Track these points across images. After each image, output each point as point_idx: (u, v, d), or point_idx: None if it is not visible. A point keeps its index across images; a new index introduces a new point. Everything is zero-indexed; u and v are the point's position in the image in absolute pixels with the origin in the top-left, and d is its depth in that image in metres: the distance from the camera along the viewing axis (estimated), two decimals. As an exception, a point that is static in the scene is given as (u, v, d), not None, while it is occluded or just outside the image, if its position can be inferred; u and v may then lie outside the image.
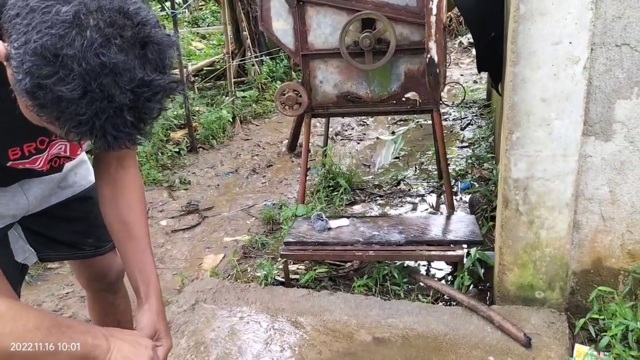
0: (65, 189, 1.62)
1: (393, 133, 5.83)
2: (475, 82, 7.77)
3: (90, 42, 0.82)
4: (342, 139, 5.78)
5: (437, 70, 2.83)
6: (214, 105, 6.53)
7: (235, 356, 2.36)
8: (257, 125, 6.58)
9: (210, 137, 5.86)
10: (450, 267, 3.08)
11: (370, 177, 4.63)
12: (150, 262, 1.37)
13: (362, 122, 6.30)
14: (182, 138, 5.67)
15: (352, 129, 6.12)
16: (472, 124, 5.95)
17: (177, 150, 5.43)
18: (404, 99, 3.30)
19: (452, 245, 2.83)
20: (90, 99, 0.83)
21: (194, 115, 6.04)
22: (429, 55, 2.80)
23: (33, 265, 1.78)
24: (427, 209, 3.97)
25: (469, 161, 4.67)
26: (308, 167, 3.72)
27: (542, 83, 2.21)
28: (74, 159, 1.47)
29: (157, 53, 0.89)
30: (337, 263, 3.08)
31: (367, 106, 3.37)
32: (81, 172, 1.66)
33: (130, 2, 0.88)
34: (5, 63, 0.90)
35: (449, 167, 4.40)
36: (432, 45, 2.76)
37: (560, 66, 2.17)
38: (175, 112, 6.07)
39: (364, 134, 5.96)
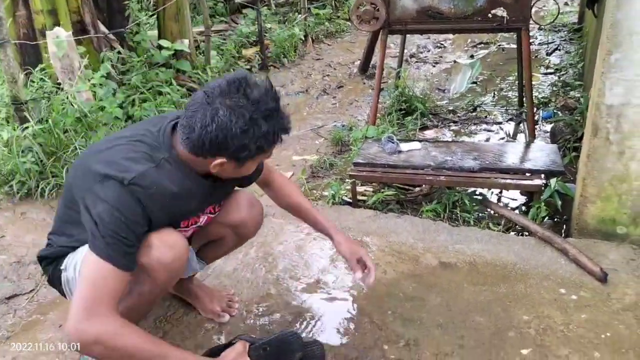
0: None
1: (472, 57, 5.51)
2: (566, 3, 7.11)
3: (244, 109, 1.40)
4: (417, 62, 5.54)
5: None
6: (287, 23, 6.39)
7: (302, 269, 2.41)
8: (329, 44, 6.41)
9: (282, 56, 5.78)
10: (525, 197, 2.95)
11: (445, 102, 4.44)
12: (321, 219, 1.98)
13: (439, 44, 5.98)
14: (253, 55, 5.62)
15: (428, 51, 5.83)
16: (559, 49, 5.50)
17: (248, 67, 5.41)
18: (490, 15, 3.05)
19: (529, 175, 2.69)
20: (264, 122, 1.42)
21: (266, 33, 5.95)
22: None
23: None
24: (503, 138, 3.78)
25: (554, 89, 4.36)
26: (381, 88, 3.59)
27: (654, -4, 1.96)
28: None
29: (252, 83, 1.45)
30: (406, 187, 3.02)
31: (449, 23, 3.15)
32: None
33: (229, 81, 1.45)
34: (220, 169, 1.49)
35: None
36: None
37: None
38: (248, 29, 6.00)
39: (441, 56, 5.67)
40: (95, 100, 3.58)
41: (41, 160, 3.14)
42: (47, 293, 2.39)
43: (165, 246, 1.52)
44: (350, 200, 2.92)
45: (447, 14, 3.12)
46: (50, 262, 1.72)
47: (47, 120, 3.22)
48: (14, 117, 3.23)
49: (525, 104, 4.01)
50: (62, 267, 1.66)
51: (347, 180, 3.17)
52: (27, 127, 3.11)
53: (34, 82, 3.44)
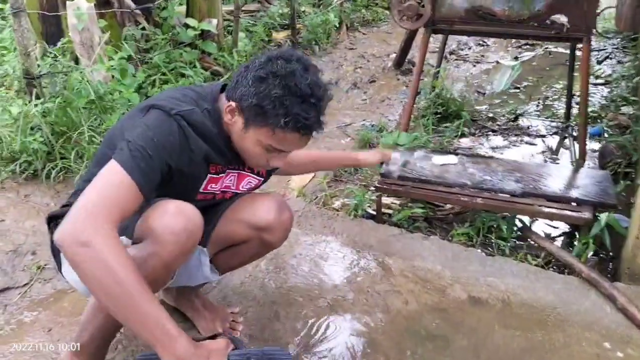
0: None
1: (516, 58, 5.17)
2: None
3: (280, 64, 1.39)
4: (456, 59, 5.22)
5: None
6: (321, 7, 6.09)
7: (315, 289, 2.19)
8: (364, 33, 6.10)
9: (313, 42, 5.50)
10: (568, 227, 2.67)
11: (484, 107, 4.13)
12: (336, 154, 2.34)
13: (481, 42, 5.63)
14: (284, 40, 5.36)
15: (469, 48, 5.50)
16: (610, 58, 5.12)
17: (277, 53, 5.15)
18: (548, 21, 2.73)
19: (577, 205, 2.41)
20: (288, 92, 1.36)
21: (299, 16, 5.67)
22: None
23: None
24: (544, 151, 3.47)
25: (604, 102, 4.02)
26: (418, 90, 3.31)
27: None
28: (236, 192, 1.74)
29: (314, 69, 1.45)
30: (436, 203, 2.76)
31: (501, 26, 2.84)
32: None
33: (291, 48, 2.12)
34: (232, 120, 1.48)
35: (577, 106, 3.80)
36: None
37: None
38: (280, 11, 5.73)
39: (482, 55, 5.33)
40: (112, 80, 3.38)
41: (50, 141, 2.95)
42: (41, 289, 2.23)
43: (182, 215, 1.38)
44: (374, 214, 2.68)
45: (500, 16, 2.81)
46: (57, 224, 1.46)
47: (59, 98, 3.03)
48: (25, 91, 3.04)
49: (572, 119, 3.71)
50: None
51: (371, 188, 2.93)
52: (37, 105, 2.93)
53: (48, 55, 3.24)
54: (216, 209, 1.72)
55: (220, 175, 1.62)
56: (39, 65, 3.08)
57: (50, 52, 3.29)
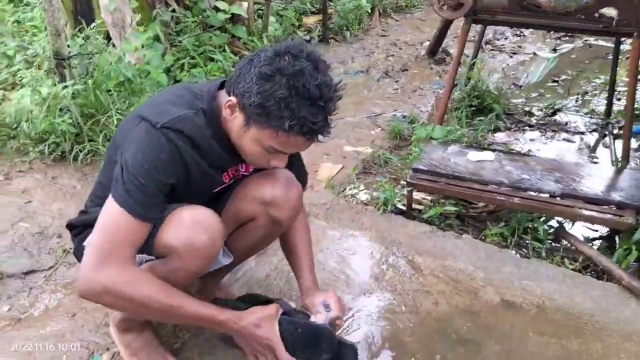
0: None
1: (554, 50, 4.99)
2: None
3: (287, 61, 1.28)
4: (492, 49, 5.05)
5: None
6: (354, -8, 5.95)
7: (342, 286, 2.13)
8: (396, 20, 5.95)
9: (345, 28, 5.38)
10: (608, 231, 2.55)
11: (521, 100, 3.98)
12: (308, 271, 1.76)
13: (518, 32, 5.44)
14: (314, 25, 5.27)
15: (506, 38, 5.32)
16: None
17: (307, 38, 5.06)
18: (596, 14, 2.58)
19: (618, 208, 2.29)
20: (295, 93, 1.26)
21: (331, 1, 5.55)
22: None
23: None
24: (582, 149, 3.33)
25: (648, 99, 3.83)
26: (455, 83, 3.19)
27: None
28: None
29: (324, 67, 1.32)
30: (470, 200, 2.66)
31: (546, 18, 2.70)
32: None
33: (300, 42, 1.39)
34: (232, 116, 1.38)
35: (618, 102, 3.65)
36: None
37: None
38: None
39: (519, 46, 5.15)
40: (141, 63, 3.34)
41: (78, 122, 2.94)
42: (66, 273, 2.22)
43: (199, 227, 1.37)
44: (404, 209, 2.59)
45: (545, 8, 2.66)
46: (79, 233, 1.58)
47: (89, 79, 3.01)
48: (55, 72, 3.02)
49: (613, 116, 3.55)
50: (85, 244, 1.49)
51: (401, 182, 2.84)
52: (66, 86, 2.90)
53: (78, 35, 3.21)
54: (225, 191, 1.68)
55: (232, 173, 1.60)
56: (69, 46, 3.05)
57: (81, 33, 3.25)
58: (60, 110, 2.93)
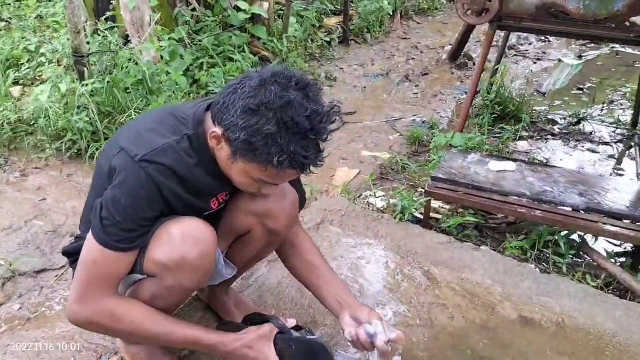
0: None
1: (580, 57, 4.87)
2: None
3: (274, 92, 1.18)
4: (515, 55, 4.95)
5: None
6: (375, -6, 5.89)
7: (355, 296, 2.07)
8: (418, 23, 5.88)
9: (365, 30, 5.33)
10: (633, 247, 2.46)
11: (544, 108, 3.89)
12: (341, 286, 1.63)
13: (542, 38, 5.33)
14: (335, 26, 5.22)
15: (530, 44, 5.21)
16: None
17: (328, 40, 5.01)
18: (627, 23, 2.50)
19: (645, 225, 2.20)
20: (284, 128, 1.18)
21: (352, 2, 5.50)
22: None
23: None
24: (606, 160, 3.23)
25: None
26: (477, 89, 3.11)
27: None
28: None
29: (315, 93, 1.24)
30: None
31: (575, 26, 2.62)
32: None
33: (288, 67, 1.38)
34: (218, 147, 1.30)
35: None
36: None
37: None
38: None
39: (544, 52, 5.05)
40: (161, 62, 3.33)
41: (95, 121, 2.93)
42: (78, 273, 2.21)
43: (189, 241, 1.32)
44: (422, 218, 2.54)
45: (574, 15, 2.57)
46: (75, 260, 1.49)
47: (107, 77, 3.00)
48: (74, 69, 3.02)
49: (641, 127, 3.45)
50: None
51: (419, 189, 2.78)
52: (85, 84, 2.90)
53: (99, 34, 3.22)
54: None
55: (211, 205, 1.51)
56: (88, 43, 3.05)
57: (101, 30, 3.25)
58: (78, 107, 2.93)
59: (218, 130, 1.26)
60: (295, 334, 1.57)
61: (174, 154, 1.30)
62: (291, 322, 1.68)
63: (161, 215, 1.34)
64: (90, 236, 1.31)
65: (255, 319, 1.60)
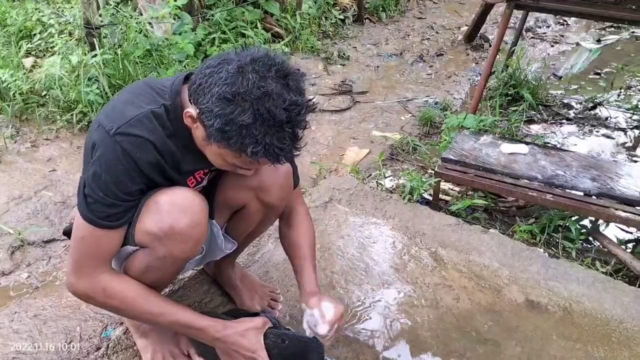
0: None
1: (599, 41, 4.76)
2: None
3: (252, 81, 1.13)
4: (532, 37, 4.85)
5: None
6: (392, -28, 5.79)
7: (361, 275, 2.08)
8: (434, 2, 5.78)
9: (380, 9, 5.25)
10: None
11: (560, 92, 3.82)
12: (310, 274, 1.61)
13: (561, 21, 5.21)
14: (349, 4, 5.14)
15: (548, 26, 5.10)
16: None
17: (342, 17, 4.94)
18: (650, 3, 2.43)
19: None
20: (260, 120, 1.13)
21: (368, -20, 5.41)
22: None
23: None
24: (621, 146, 3.17)
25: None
26: (492, 70, 3.06)
27: None
28: None
29: (295, 82, 1.18)
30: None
31: (595, 7, 2.55)
32: None
33: (269, 51, 1.20)
34: (193, 126, 1.25)
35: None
36: None
37: None
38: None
39: (562, 35, 4.94)
40: (171, 33, 3.31)
41: (106, 93, 2.92)
42: (86, 243, 2.22)
43: (178, 210, 1.30)
44: (430, 199, 2.51)
45: (595, -6, 2.52)
46: None
47: (118, 49, 2.99)
48: (85, 41, 3.01)
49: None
50: None
51: (429, 170, 2.75)
52: (95, 55, 2.89)
53: (110, 4, 3.19)
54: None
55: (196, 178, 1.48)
56: (100, 15, 3.03)
57: (112, 2, 3.23)
58: (89, 79, 2.93)
59: (192, 111, 1.22)
60: (292, 330, 1.57)
61: (149, 123, 1.26)
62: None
63: (146, 189, 1.33)
64: (78, 217, 1.30)
65: (241, 314, 1.60)
